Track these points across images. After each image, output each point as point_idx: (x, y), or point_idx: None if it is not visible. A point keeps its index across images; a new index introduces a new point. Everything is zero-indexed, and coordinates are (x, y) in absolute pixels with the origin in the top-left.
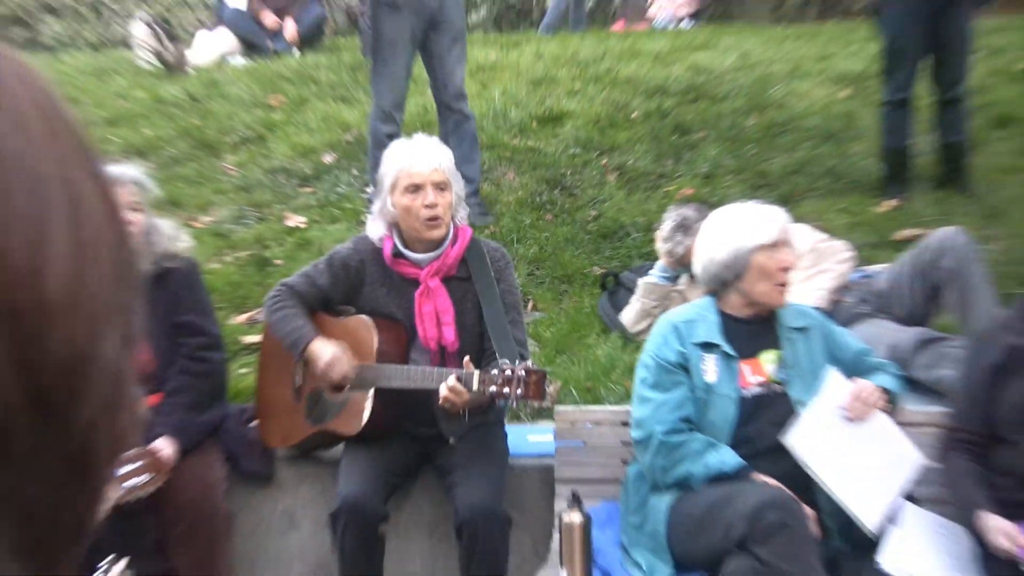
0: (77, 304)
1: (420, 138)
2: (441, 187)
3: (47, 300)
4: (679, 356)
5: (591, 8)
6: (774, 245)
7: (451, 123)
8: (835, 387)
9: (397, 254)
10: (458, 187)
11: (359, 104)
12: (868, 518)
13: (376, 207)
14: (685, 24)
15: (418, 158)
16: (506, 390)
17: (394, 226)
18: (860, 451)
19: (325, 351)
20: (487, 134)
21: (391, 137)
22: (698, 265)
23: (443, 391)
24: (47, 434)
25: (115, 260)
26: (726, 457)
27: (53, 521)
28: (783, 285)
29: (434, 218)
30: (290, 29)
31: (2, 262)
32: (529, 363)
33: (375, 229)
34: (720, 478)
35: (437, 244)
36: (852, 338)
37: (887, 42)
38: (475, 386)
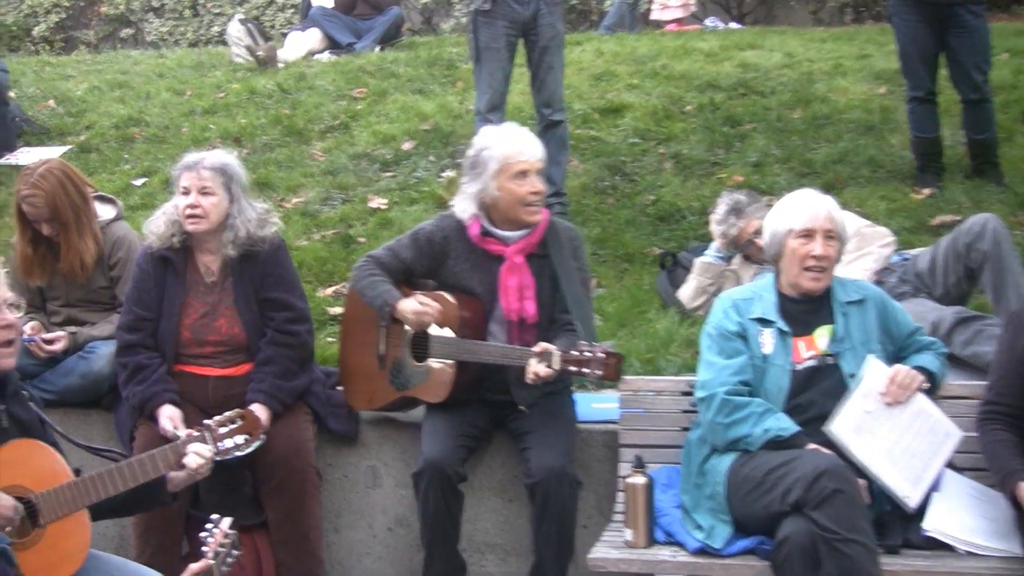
0: None
1: (516, 127)
2: (542, 174)
3: None
4: (738, 327)
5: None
6: (805, 232)
7: (543, 125)
8: (874, 373)
9: (485, 232)
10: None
11: (435, 96)
12: (911, 498)
13: (470, 189)
14: (710, 22)
15: (526, 147)
16: (585, 370)
17: (486, 207)
18: (900, 434)
19: (411, 304)
20: None
21: None
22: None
23: (538, 370)
24: None
25: None
26: (783, 423)
27: None
28: (811, 271)
29: (537, 204)
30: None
31: None
32: (608, 345)
33: (465, 209)
34: (775, 443)
35: (529, 224)
36: (907, 316)
37: (899, 46)
38: (556, 364)
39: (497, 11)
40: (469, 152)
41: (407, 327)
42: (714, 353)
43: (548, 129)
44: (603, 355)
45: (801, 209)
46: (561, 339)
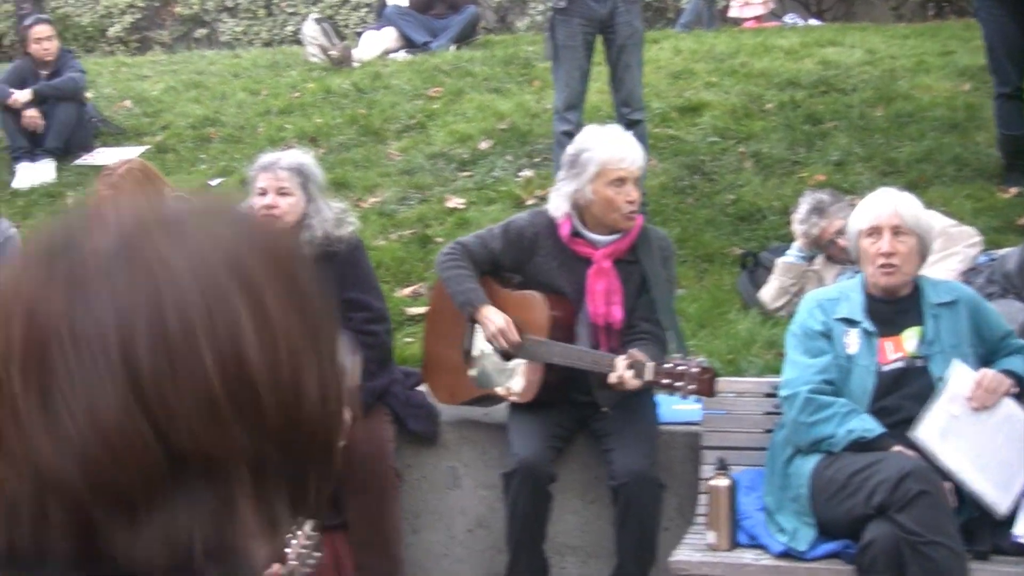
0: (277, 370)
1: (619, 131)
2: (638, 183)
3: (255, 380)
4: (823, 326)
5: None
6: (872, 231)
7: (622, 125)
8: (960, 378)
9: (575, 233)
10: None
11: (512, 95)
12: (1000, 503)
13: (565, 188)
14: (789, 19)
15: (628, 154)
16: (678, 384)
17: (579, 208)
18: (988, 439)
19: (496, 319)
20: None
21: (567, 135)
22: None
23: (625, 376)
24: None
25: (303, 325)
26: (868, 424)
27: (313, 487)
28: (882, 268)
29: (633, 212)
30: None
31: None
32: (703, 360)
33: (558, 207)
34: (859, 445)
35: (620, 229)
36: (1000, 318)
37: (986, 41)
38: (648, 376)
39: (574, 9)
40: (569, 149)
41: None
42: (799, 352)
43: (627, 129)
44: (697, 370)
45: (867, 208)
46: (644, 349)
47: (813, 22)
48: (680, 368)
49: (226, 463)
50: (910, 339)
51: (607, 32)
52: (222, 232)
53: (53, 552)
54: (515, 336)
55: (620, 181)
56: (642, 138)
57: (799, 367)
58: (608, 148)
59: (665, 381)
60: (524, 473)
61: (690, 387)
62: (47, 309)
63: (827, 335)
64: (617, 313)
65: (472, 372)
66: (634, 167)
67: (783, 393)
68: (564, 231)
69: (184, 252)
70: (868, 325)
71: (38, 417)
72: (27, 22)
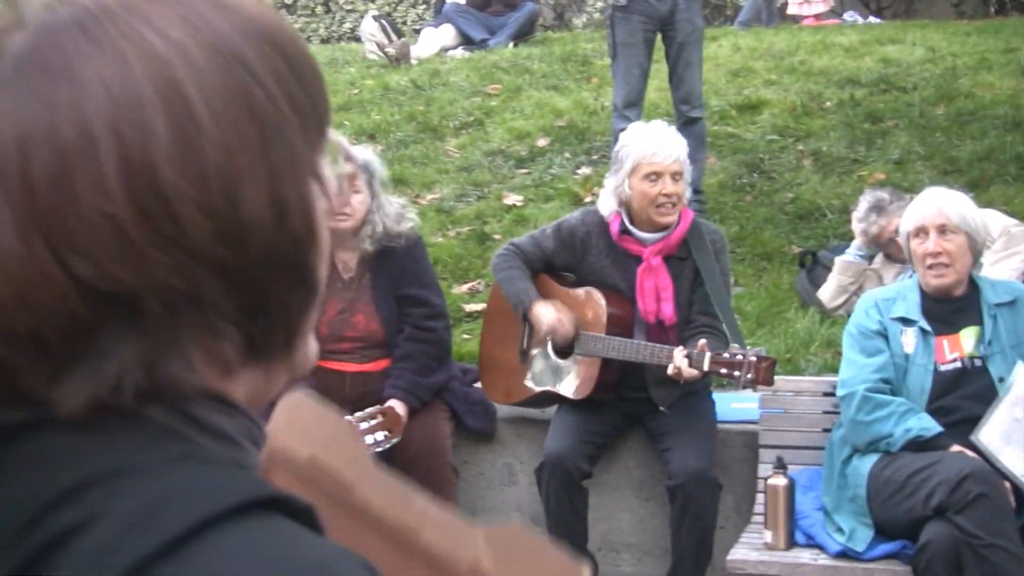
0: (203, 183)
1: (660, 126)
2: (677, 177)
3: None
4: (879, 325)
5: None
6: (919, 231)
7: (682, 122)
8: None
9: (624, 231)
10: (687, 174)
11: (570, 92)
12: None
13: (610, 185)
14: (849, 17)
15: (661, 148)
16: (736, 373)
17: (624, 204)
18: None
19: (547, 315)
20: None
21: None
22: None
23: (682, 365)
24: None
25: (248, 131)
26: (926, 423)
27: (276, 313)
28: (931, 268)
29: (669, 206)
30: None
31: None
32: (761, 350)
33: (606, 205)
34: (917, 444)
35: (665, 226)
36: None
37: None
38: (706, 366)
39: (634, 7)
40: (615, 148)
41: None
42: (855, 351)
43: (686, 126)
44: (755, 359)
45: (914, 209)
46: (708, 340)
47: (873, 20)
48: (738, 357)
49: (153, 297)
50: (968, 338)
51: (667, 29)
52: (154, 26)
53: None
54: (567, 330)
55: (655, 175)
56: (701, 136)
57: (856, 366)
58: (643, 143)
59: (724, 371)
60: (552, 468)
61: (748, 376)
62: None
63: (884, 334)
64: (668, 310)
65: (528, 372)
66: (669, 160)
67: (840, 392)
68: (614, 228)
69: (97, 51)
70: (924, 324)
71: None
72: None
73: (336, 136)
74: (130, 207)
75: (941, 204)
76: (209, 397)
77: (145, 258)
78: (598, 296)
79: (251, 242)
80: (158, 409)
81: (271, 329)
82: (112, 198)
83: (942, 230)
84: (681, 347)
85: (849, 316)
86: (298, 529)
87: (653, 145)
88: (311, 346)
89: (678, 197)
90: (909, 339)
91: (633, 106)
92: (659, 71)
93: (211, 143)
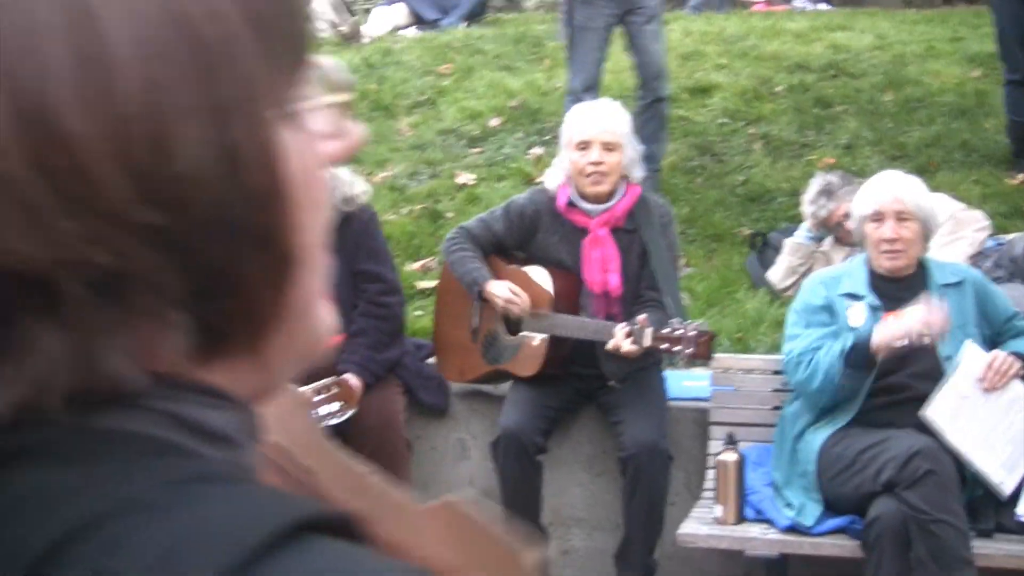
0: (121, 136)
1: (600, 102)
2: (609, 147)
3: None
4: (825, 300)
5: None
6: (875, 216)
7: (648, 101)
8: (971, 359)
9: (571, 203)
10: (631, 149)
11: (522, 73)
12: (1005, 483)
13: (557, 160)
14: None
15: (590, 120)
16: (676, 348)
17: (568, 178)
18: (997, 420)
19: (501, 291)
20: None
21: None
22: None
23: (622, 345)
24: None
25: (186, 70)
26: (846, 341)
27: (235, 289)
28: (887, 253)
29: (596, 175)
30: None
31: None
32: (700, 324)
33: (553, 179)
34: (856, 355)
35: (607, 197)
36: (1006, 300)
37: (997, 27)
38: (647, 341)
39: None
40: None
41: None
42: (800, 327)
43: (654, 105)
44: (694, 333)
45: (870, 193)
46: (650, 315)
47: (822, 6)
48: (678, 332)
49: (71, 277)
50: None
51: (632, 12)
52: None
53: None
54: (525, 301)
55: (584, 144)
56: (661, 116)
57: (799, 339)
58: (577, 116)
59: (663, 346)
60: (508, 442)
61: (688, 351)
62: None
63: (829, 309)
64: (614, 280)
65: (481, 349)
66: (596, 130)
67: (785, 366)
68: (561, 201)
69: None
70: (873, 299)
71: None
72: None
73: (327, 61)
74: (27, 164)
75: (898, 190)
76: (193, 390)
77: (53, 228)
78: (543, 273)
79: (192, 202)
80: (128, 416)
81: (230, 310)
82: (5, 154)
83: (899, 216)
84: (624, 324)
85: None
86: (349, 550)
87: (585, 117)
88: (319, 321)
89: (610, 167)
90: (856, 312)
91: (591, 90)
92: (610, 54)
93: (129, 76)
